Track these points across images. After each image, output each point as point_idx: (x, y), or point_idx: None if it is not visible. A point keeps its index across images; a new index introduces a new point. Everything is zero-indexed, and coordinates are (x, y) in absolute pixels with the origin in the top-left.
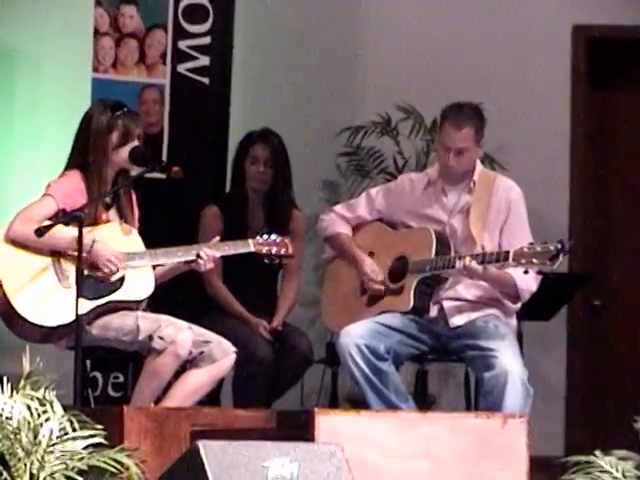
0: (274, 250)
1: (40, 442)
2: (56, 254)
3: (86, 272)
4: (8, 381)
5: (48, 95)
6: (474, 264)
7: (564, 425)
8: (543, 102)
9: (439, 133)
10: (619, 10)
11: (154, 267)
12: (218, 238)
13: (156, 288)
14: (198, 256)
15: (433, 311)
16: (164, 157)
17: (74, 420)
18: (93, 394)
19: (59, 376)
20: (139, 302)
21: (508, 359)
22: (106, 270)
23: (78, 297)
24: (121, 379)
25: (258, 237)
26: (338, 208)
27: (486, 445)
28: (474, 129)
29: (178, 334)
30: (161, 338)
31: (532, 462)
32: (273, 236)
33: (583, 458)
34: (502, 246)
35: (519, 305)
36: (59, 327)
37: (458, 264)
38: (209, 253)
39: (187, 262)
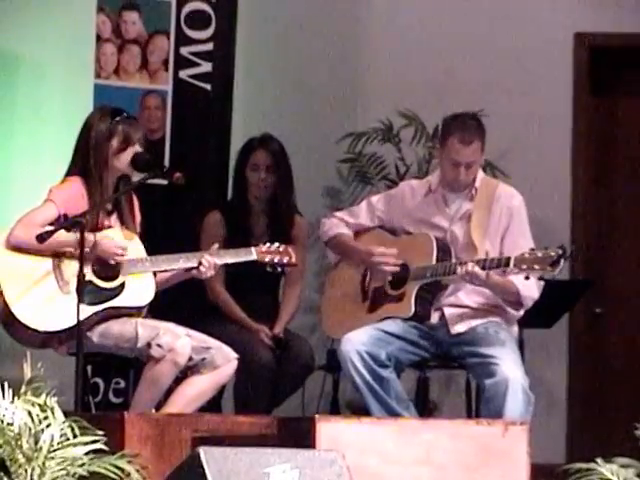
0: (277, 259)
1: (41, 448)
2: (57, 259)
3: (88, 277)
4: (9, 387)
5: (50, 101)
6: (477, 269)
7: (565, 432)
8: (545, 109)
9: (444, 147)
10: (620, 18)
11: (155, 273)
12: (217, 245)
13: (157, 294)
14: (200, 263)
15: (434, 318)
16: (166, 163)
17: (75, 426)
18: (94, 400)
19: (60, 382)
20: (140, 308)
21: (509, 366)
22: (112, 262)
23: (79, 303)
24: (122, 385)
25: (261, 245)
26: (339, 213)
27: (487, 452)
28: (481, 142)
29: (176, 342)
30: (159, 346)
31: (533, 469)
32: (276, 244)
33: (584, 465)
34: (503, 253)
35: (522, 312)
36: (58, 332)
37: (460, 270)
38: (210, 261)
39: (188, 269)
